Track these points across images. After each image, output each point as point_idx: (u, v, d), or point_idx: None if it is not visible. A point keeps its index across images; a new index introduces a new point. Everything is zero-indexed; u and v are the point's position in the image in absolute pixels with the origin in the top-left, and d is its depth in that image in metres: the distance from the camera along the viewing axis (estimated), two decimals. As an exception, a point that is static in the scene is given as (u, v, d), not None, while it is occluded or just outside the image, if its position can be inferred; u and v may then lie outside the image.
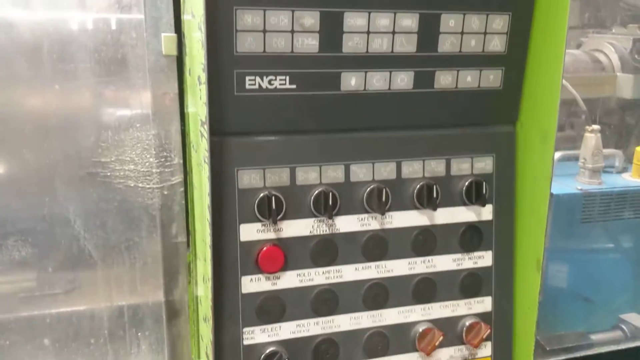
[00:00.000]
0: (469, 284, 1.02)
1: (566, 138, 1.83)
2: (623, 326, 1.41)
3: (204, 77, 0.79)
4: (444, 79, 0.95)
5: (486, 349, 1.04)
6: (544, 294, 1.49)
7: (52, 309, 0.95)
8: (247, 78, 0.85)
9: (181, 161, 0.96)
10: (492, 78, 0.97)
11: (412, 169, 0.97)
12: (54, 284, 0.94)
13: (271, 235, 0.91)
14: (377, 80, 0.91)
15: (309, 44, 0.86)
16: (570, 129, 1.88)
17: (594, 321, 1.50)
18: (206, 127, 0.80)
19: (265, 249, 0.90)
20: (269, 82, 0.86)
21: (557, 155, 1.55)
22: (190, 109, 0.94)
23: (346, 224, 0.94)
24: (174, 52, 0.94)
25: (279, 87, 0.87)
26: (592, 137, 1.49)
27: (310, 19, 0.86)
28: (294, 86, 0.88)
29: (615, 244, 1.51)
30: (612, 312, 1.50)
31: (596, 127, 1.49)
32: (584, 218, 1.46)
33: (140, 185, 0.95)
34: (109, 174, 0.94)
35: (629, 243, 1.51)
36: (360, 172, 0.95)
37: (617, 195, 1.46)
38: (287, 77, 0.87)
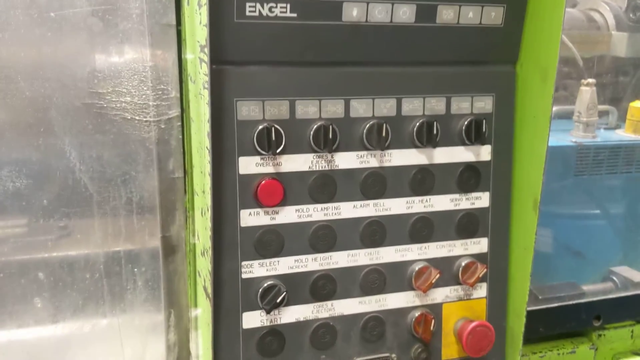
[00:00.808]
0: (465, 225, 1.02)
1: (560, 98, 1.83)
2: (614, 278, 1.42)
3: (204, -1, 0.78)
4: (446, 14, 0.94)
5: (481, 290, 1.04)
6: (535, 247, 1.50)
7: (46, 243, 0.94)
8: (248, 4, 0.83)
9: (178, 95, 0.95)
10: (494, 15, 0.96)
11: (413, 106, 0.96)
12: (49, 217, 0.93)
13: (270, 169, 0.90)
14: (379, 12, 0.90)
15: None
16: (564, 90, 1.88)
17: (585, 274, 1.51)
18: (207, 50, 0.78)
19: (264, 182, 0.89)
20: (270, 9, 0.85)
21: (552, 110, 1.55)
22: (189, 55, 0.92)
23: (345, 160, 0.93)
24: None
25: (279, 15, 0.85)
26: (587, 90, 1.49)
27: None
28: (294, 15, 0.86)
29: (608, 197, 1.52)
30: (603, 266, 1.51)
31: (592, 80, 1.49)
32: (578, 171, 1.47)
33: (137, 118, 0.94)
34: (105, 105, 0.93)
35: (621, 197, 1.52)
36: (360, 107, 0.94)
37: (611, 149, 1.47)
38: (288, 5, 0.85)
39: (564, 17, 1.78)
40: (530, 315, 1.20)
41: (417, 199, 0.98)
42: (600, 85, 1.91)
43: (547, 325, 1.29)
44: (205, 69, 0.80)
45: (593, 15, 1.91)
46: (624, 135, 1.55)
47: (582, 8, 1.98)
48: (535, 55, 0.98)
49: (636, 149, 1.49)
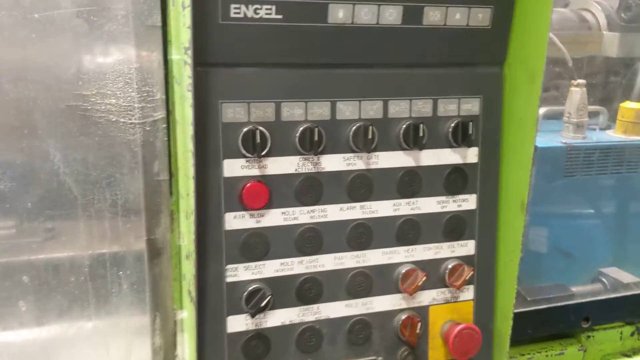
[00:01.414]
0: (453, 227, 1.02)
1: (550, 99, 1.83)
2: (603, 279, 1.42)
3: (188, 1, 0.77)
4: (433, 15, 0.93)
5: (469, 293, 1.04)
6: (524, 248, 1.50)
7: (31, 246, 0.93)
8: (232, 6, 0.83)
9: (164, 97, 0.94)
10: (481, 17, 0.96)
11: (399, 108, 0.96)
12: (33, 219, 0.92)
13: (255, 171, 0.89)
14: (365, 14, 0.90)
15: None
16: (555, 90, 1.87)
17: (575, 275, 1.51)
18: (190, 52, 0.78)
19: (249, 185, 0.89)
20: (255, 11, 0.84)
21: (542, 111, 1.55)
22: (175, 55, 0.92)
23: (331, 162, 0.93)
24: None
25: (264, 16, 0.85)
26: (577, 91, 1.49)
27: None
28: (280, 16, 0.86)
29: (598, 198, 1.52)
30: (593, 267, 1.51)
31: (582, 81, 1.49)
32: (568, 172, 1.46)
33: (121, 120, 0.93)
34: (89, 107, 0.92)
35: (611, 198, 1.52)
36: (347, 109, 0.93)
37: (601, 150, 1.47)
38: (273, 7, 0.85)
39: (555, 18, 1.78)
40: (518, 316, 1.20)
41: (403, 201, 0.98)
42: (592, 86, 1.91)
43: (536, 327, 1.29)
44: (189, 71, 0.79)
45: (585, 15, 1.90)
46: (614, 136, 1.55)
47: (573, 8, 1.98)
48: (522, 56, 0.98)
49: (626, 150, 1.49)
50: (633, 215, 1.55)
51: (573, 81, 1.49)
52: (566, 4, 2.06)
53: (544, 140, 1.46)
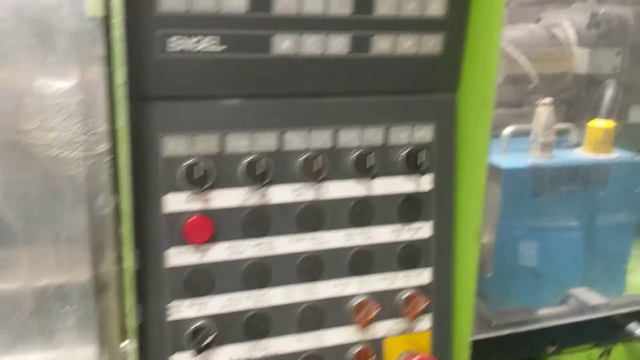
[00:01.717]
0: (407, 256, 1.00)
1: (529, 114, 1.81)
2: (570, 301, 1.40)
3: (122, 36, 0.75)
4: (382, 44, 0.92)
5: (425, 322, 1.02)
6: (493, 269, 1.48)
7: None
8: (170, 39, 0.81)
9: (108, 129, 0.92)
10: (432, 44, 0.95)
11: (349, 137, 0.94)
12: (-27, 256, 0.90)
13: (199, 205, 0.87)
14: (312, 44, 0.88)
15: (237, 3, 0.83)
16: (529, 106, 1.86)
17: (544, 296, 1.49)
18: (125, 89, 0.76)
19: (191, 219, 0.87)
20: (194, 43, 0.83)
21: (510, 129, 1.54)
22: (118, 80, 0.90)
23: (279, 194, 0.91)
24: (99, 13, 0.89)
25: (204, 49, 0.83)
26: (544, 110, 1.47)
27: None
28: (221, 48, 0.84)
29: (566, 218, 1.51)
30: (562, 287, 1.50)
31: (548, 100, 1.48)
32: (535, 192, 1.45)
33: (64, 154, 0.91)
34: (31, 142, 0.90)
35: (579, 218, 1.51)
36: (295, 139, 0.91)
37: (568, 170, 1.45)
38: (214, 39, 0.83)
39: (525, 34, 1.76)
40: (483, 342, 1.18)
41: (356, 231, 0.96)
42: (564, 102, 1.90)
43: (501, 352, 1.27)
44: (125, 106, 0.77)
45: (555, 31, 1.90)
46: (582, 154, 1.54)
47: (544, 24, 1.97)
48: (474, 82, 0.97)
49: (593, 169, 1.48)
50: (602, 234, 1.54)
51: (539, 100, 1.48)
52: (538, 19, 2.06)
53: (510, 160, 1.45)
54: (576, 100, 1.84)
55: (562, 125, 1.59)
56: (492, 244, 1.47)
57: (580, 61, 1.84)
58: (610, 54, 1.88)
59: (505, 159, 1.46)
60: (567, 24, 1.88)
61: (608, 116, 1.67)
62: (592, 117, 1.70)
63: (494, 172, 1.43)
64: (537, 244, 1.48)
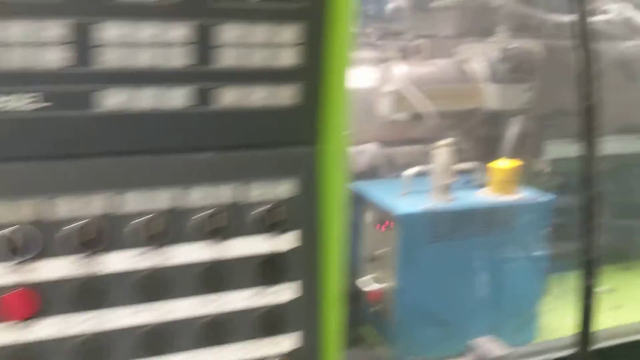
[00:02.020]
0: (269, 322, 0.92)
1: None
2: (471, 353, 1.34)
3: None
4: (228, 97, 0.85)
5: (293, 391, 0.95)
6: (396, 318, 1.42)
7: None
8: (-30, 99, 0.73)
9: None
10: (286, 95, 0.88)
11: (195, 196, 0.87)
12: None
13: (20, 278, 0.79)
14: (144, 99, 0.81)
15: (53, 57, 0.75)
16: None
17: (451, 345, 1.43)
18: None
19: (10, 293, 0.78)
20: (4, 102, 0.75)
21: (412, 171, 1.49)
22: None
23: (115, 261, 0.83)
24: None
25: (17, 107, 0.75)
26: (442, 152, 1.43)
27: (54, 29, 0.75)
28: (38, 106, 0.76)
29: (468, 263, 1.45)
30: (467, 335, 1.44)
31: (446, 141, 1.43)
32: (434, 236, 1.40)
33: None
34: None
35: (482, 262, 1.46)
36: (133, 200, 0.84)
37: (466, 213, 1.41)
38: (28, 96, 0.76)
39: (435, 71, 1.73)
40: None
41: (207, 298, 0.89)
42: (475, 140, 1.87)
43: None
44: None
45: (466, 67, 1.87)
46: (485, 196, 1.50)
47: (457, 59, 1.94)
48: (332, 132, 0.91)
49: (493, 212, 1.43)
50: (508, 278, 1.49)
51: (437, 143, 1.44)
52: (453, 54, 2.03)
53: (407, 205, 1.40)
54: (486, 137, 1.80)
55: (466, 165, 1.55)
56: (393, 290, 1.41)
57: (492, 97, 1.81)
58: (521, 89, 1.85)
59: (404, 203, 1.41)
60: (479, 59, 1.85)
61: (516, 155, 1.63)
62: (502, 155, 1.67)
63: (392, 217, 1.37)
64: (439, 291, 1.43)
